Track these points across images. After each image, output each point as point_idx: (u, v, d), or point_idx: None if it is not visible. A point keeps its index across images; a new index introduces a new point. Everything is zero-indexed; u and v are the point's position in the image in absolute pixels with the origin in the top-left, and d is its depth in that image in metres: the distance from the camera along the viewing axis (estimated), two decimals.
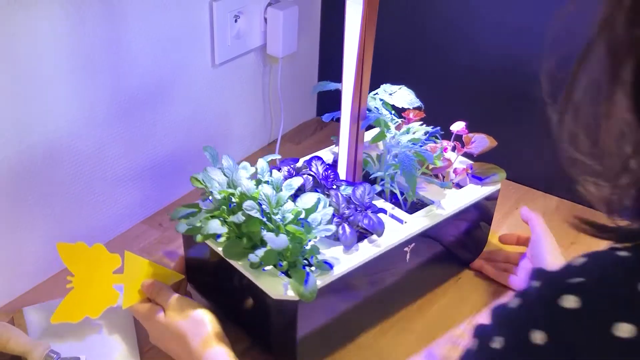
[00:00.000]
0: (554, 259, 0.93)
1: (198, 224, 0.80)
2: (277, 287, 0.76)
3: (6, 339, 0.82)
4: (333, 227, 0.80)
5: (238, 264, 0.79)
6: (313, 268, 0.79)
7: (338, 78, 0.85)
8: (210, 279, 0.89)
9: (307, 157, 0.97)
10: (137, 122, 1.04)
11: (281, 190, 0.82)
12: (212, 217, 0.81)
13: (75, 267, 0.86)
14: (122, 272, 0.86)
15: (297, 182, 0.85)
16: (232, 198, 0.82)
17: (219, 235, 0.82)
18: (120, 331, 0.88)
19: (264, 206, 0.79)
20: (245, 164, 0.87)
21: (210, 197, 0.86)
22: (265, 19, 1.20)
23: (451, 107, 1.11)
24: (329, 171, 0.90)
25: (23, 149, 0.89)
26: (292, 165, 0.91)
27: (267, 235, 0.75)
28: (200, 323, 0.79)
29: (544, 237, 0.96)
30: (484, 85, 1.21)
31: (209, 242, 0.82)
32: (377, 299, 0.89)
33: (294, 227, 0.76)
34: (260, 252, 0.77)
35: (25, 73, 0.85)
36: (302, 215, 0.80)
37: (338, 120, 0.94)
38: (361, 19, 0.79)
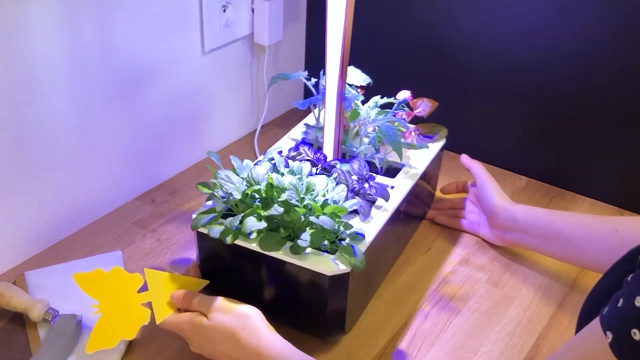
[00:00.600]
0: (500, 199, 1.07)
1: (237, 224, 0.82)
2: (329, 265, 0.82)
3: (8, 297, 0.89)
4: (357, 201, 0.87)
5: (279, 254, 0.83)
6: (347, 240, 0.85)
7: (322, 65, 0.91)
8: (234, 279, 0.91)
9: (277, 147, 1.01)
10: (129, 106, 1.10)
11: (301, 178, 0.87)
12: (244, 215, 0.84)
13: (97, 293, 0.84)
14: (145, 290, 0.86)
15: (306, 168, 0.90)
16: (255, 194, 0.85)
17: (249, 234, 0.85)
18: None
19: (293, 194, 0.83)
20: (247, 161, 0.90)
21: (213, 200, 0.88)
22: (253, 10, 1.26)
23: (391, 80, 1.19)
24: (319, 154, 0.96)
25: (21, 129, 0.94)
26: (286, 155, 0.95)
27: (313, 219, 0.80)
28: (246, 317, 0.81)
29: (488, 181, 1.09)
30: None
31: (239, 242, 0.85)
32: (385, 259, 0.99)
33: (336, 205, 0.82)
34: (306, 236, 0.82)
35: (19, 59, 0.89)
36: (326, 196, 0.86)
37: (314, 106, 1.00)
38: (345, 8, 0.86)
